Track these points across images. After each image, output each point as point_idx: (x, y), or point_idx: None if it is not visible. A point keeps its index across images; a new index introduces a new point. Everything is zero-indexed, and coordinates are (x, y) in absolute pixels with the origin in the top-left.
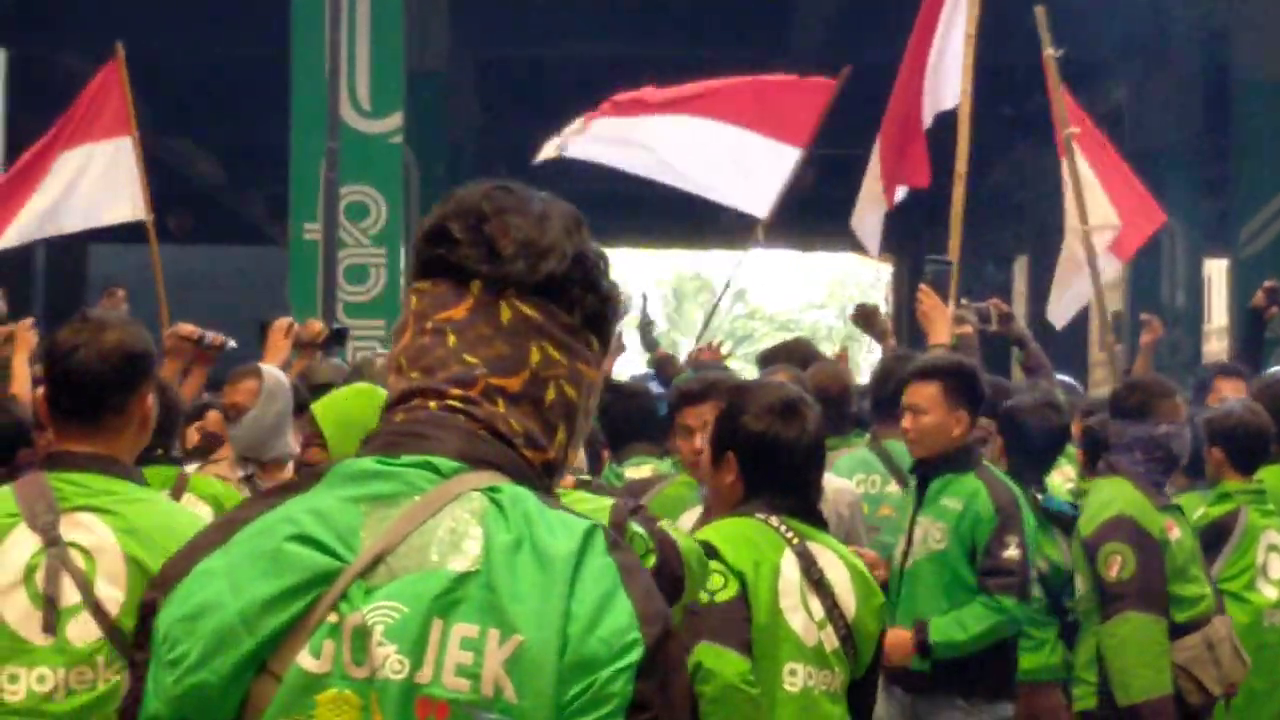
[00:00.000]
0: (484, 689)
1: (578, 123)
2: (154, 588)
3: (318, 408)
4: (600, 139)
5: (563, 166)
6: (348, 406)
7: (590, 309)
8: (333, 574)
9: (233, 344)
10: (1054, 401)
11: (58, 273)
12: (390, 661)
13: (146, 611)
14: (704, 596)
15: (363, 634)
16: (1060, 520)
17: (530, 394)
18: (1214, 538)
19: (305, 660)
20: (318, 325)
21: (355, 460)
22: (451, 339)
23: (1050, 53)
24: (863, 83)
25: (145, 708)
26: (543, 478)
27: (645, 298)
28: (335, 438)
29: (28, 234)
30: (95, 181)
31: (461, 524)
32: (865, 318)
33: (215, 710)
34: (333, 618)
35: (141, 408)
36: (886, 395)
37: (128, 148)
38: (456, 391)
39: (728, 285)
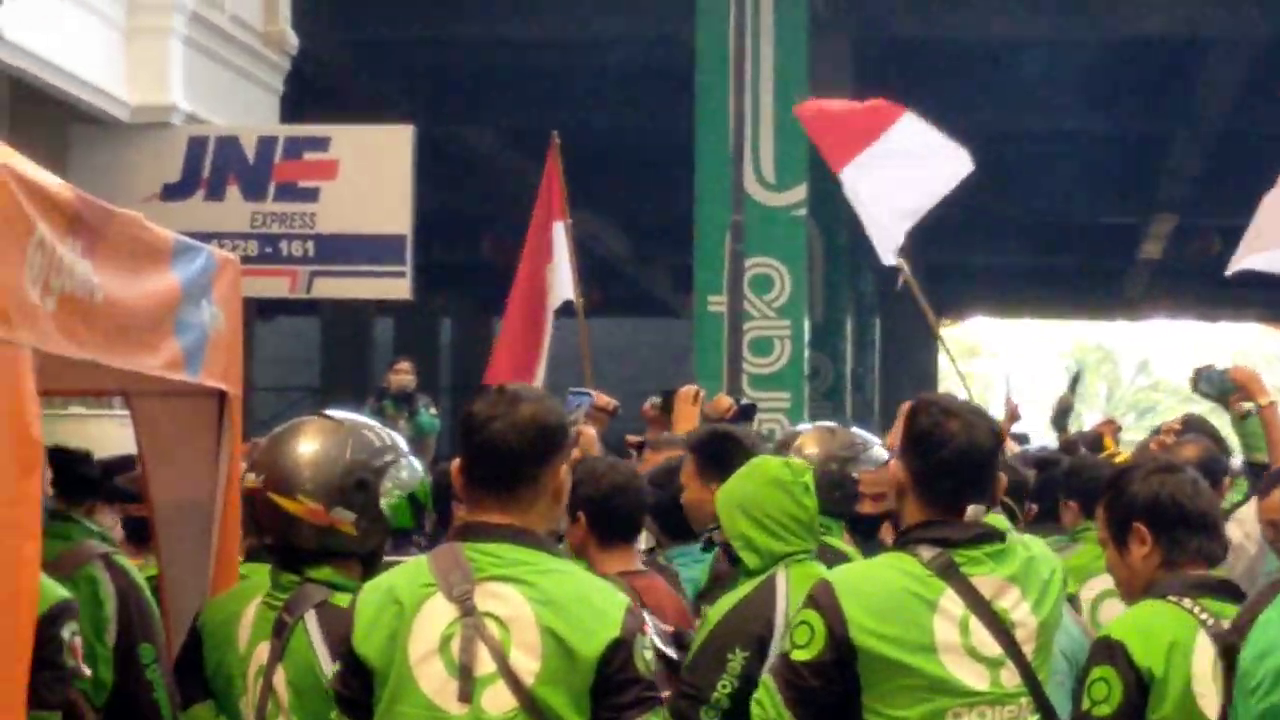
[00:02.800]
0: None
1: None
2: None
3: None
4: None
5: (965, 238)
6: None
7: None
8: None
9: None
10: None
11: (462, 346)
12: None
13: None
14: (1085, 703)
15: None
16: None
17: None
18: None
19: None
20: (726, 401)
21: None
22: None
23: None
24: (1266, 151)
25: None
26: None
27: (1078, 376)
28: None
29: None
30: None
31: None
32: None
33: None
34: None
35: (555, 479)
36: None
37: (561, 232)
38: None
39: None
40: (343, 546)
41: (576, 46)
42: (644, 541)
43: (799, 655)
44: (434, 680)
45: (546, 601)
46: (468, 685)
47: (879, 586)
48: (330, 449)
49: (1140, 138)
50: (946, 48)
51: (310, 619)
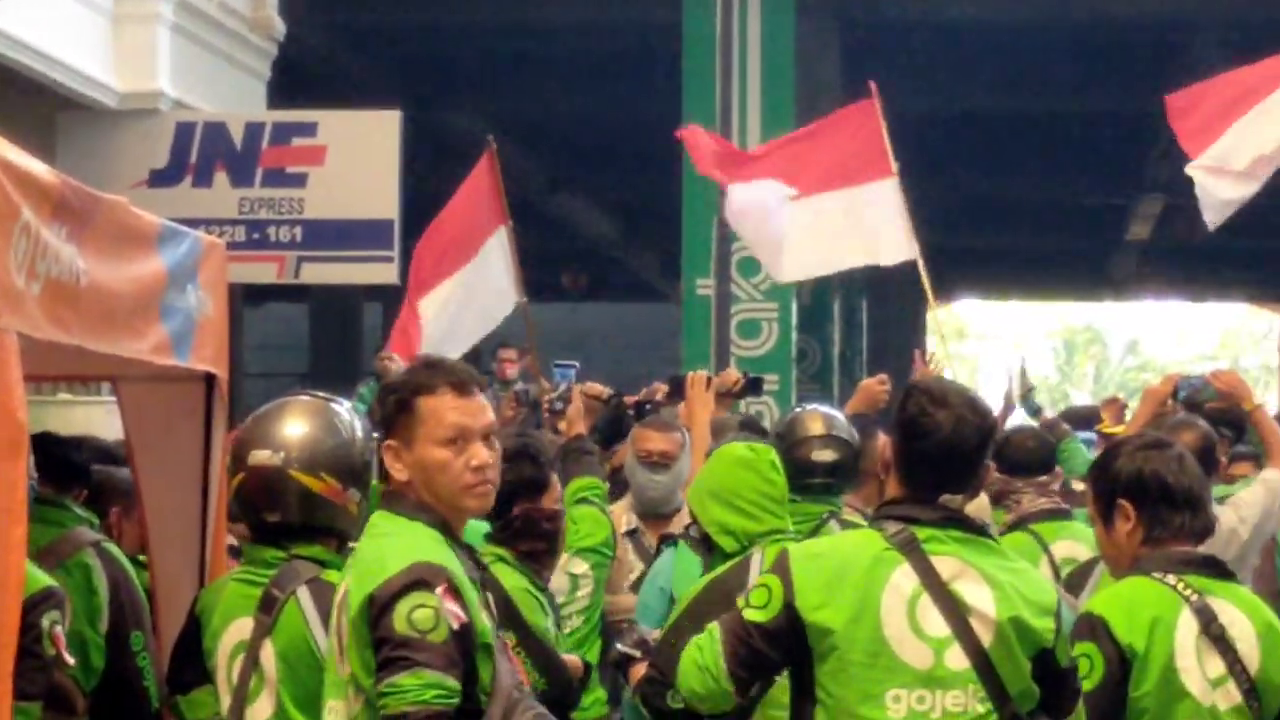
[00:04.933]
0: None
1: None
2: None
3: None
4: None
5: (952, 220)
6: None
7: None
8: None
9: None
10: None
11: None
12: None
13: None
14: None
15: None
16: None
17: None
18: None
19: None
20: (734, 375)
21: None
22: None
23: None
24: None
25: None
26: None
27: (1024, 361)
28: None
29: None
30: (493, 275)
31: None
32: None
33: None
34: None
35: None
36: None
37: (504, 236)
38: None
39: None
40: (347, 525)
41: (564, 32)
42: (625, 524)
43: (752, 615)
44: None
45: (354, 563)
46: None
47: (833, 559)
48: (343, 429)
49: (1128, 118)
50: (934, 30)
51: (304, 594)
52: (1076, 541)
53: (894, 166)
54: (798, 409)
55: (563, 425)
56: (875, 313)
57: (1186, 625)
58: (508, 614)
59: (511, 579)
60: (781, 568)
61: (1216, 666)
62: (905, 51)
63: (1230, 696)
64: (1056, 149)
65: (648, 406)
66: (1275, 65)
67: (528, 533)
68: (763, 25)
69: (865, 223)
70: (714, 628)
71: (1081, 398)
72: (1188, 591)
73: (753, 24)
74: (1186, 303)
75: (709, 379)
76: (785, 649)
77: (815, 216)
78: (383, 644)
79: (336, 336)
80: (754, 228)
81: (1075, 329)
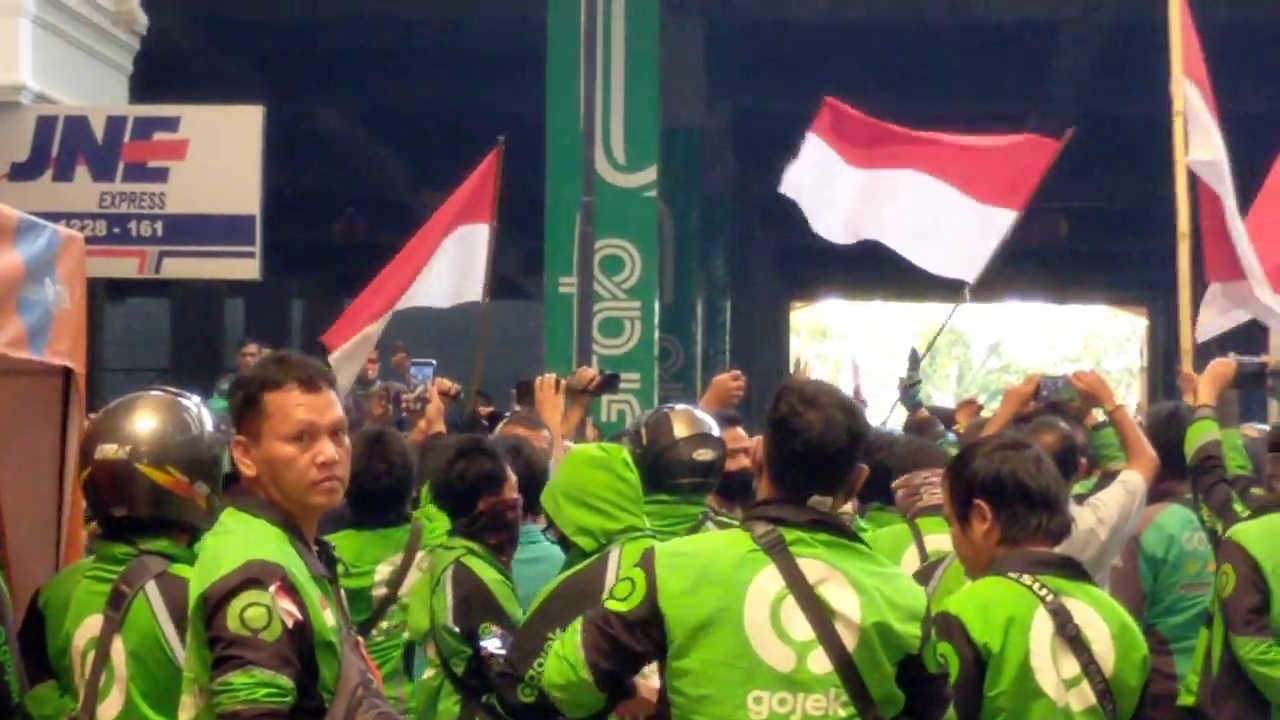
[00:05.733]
0: None
1: (807, 154)
2: None
3: None
4: (822, 194)
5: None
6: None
7: None
8: None
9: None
10: None
11: (313, 328)
12: None
13: None
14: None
15: None
16: None
17: None
18: None
19: None
20: (590, 372)
21: None
22: None
23: None
24: (1115, 134)
25: None
26: None
27: (915, 354)
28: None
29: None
30: (453, 263)
31: None
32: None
33: None
34: None
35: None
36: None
37: (484, 234)
38: None
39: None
40: (195, 519)
41: (429, 27)
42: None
43: (614, 606)
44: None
45: (197, 561)
46: None
47: (699, 559)
48: (192, 424)
49: (990, 121)
50: (798, 31)
51: (151, 589)
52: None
53: (1024, 204)
54: (663, 409)
55: (422, 424)
56: (738, 312)
57: (1042, 625)
58: (488, 607)
59: (487, 572)
60: (647, 563)
61: (1071, 667)
62: (769, 52)
63: (1085, 697)
64: None
65: (504, 415)
66: None
67: (495, 525)
68: (627, 23)
69: (959, 234)
70: (578, 621)
71: (944, 399)
72: (1043, 592)
73: (617, 21)
74: (1050, 305)
75: (558, 381)
76: (644, 640)
77: (913, 192)
78: (216, 642)
79: (198, 332)
80: (812, 183)
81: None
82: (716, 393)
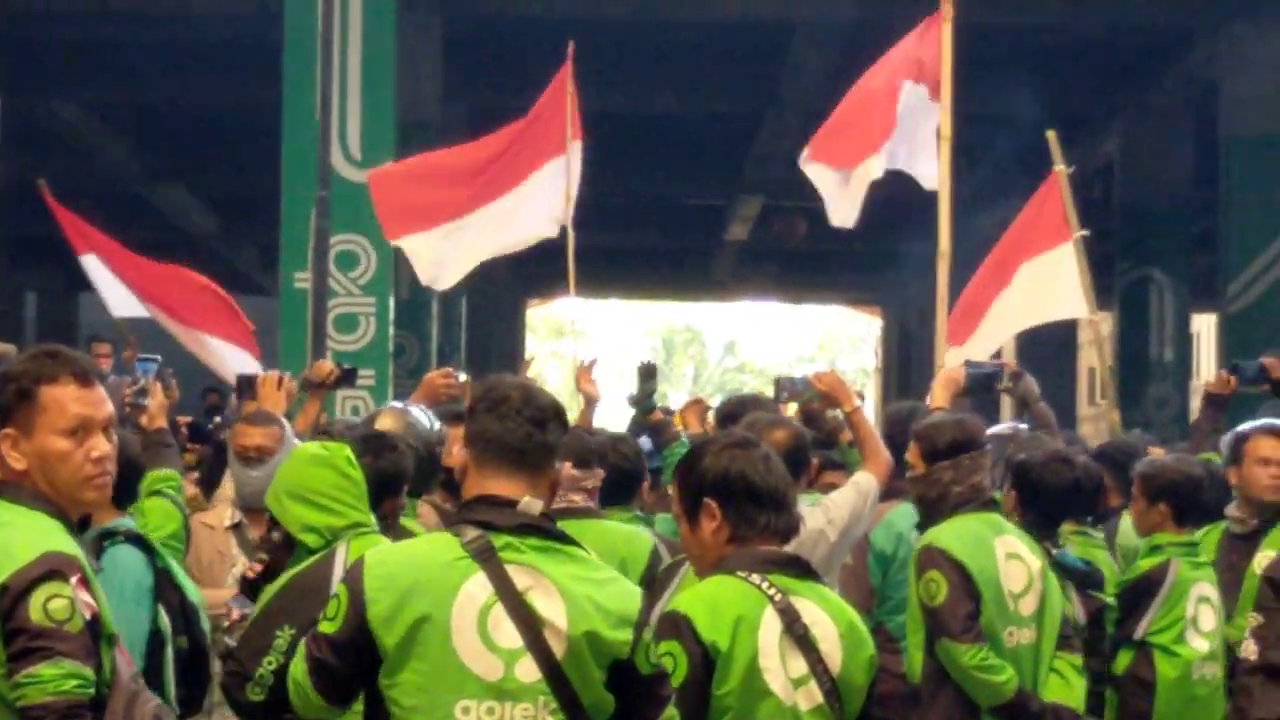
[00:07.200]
0: None
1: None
2: None
3: None
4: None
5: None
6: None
7: None
8: None
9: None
10: (1067, 456)
11: (47, 322)
12: None
13: None
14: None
15: None
16: (1073, 574)
17: None
18: (1143, 591)
19: None
20: (328, 366)
21: None
22: None
23: (1061, 169)
24: None
25: None
26: None
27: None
28: None
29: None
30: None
31: None
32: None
33: None
34: None
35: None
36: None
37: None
38: None
39: None
40: None
41: (165, 19)
42: (229, 518)
43: (324, 627)
44: None
45: None
46: None
47: (408, 566)
48: None
49: (728, 120)
50: (537, 28)
51: None
52: None
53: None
54: (381, 408)
55: (144, 419)
56: (474, 309)
57: (770, 624)
58: None
59: None
60: (354, 579)
61: (799, 666)
62: (509, 49)
63: (812, 696)
64: (658, 149)
65: (219, 417)
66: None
67: None
68: (364, 18)
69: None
70: (305, 641)
71: (679, 398)
72: (772, 591)
73: (354, 16)
74: (786, 305)
75: (280, 378)
76: (354, 662)
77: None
78: (18, 634)
79: None
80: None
81: (675, 329)
82: (426, 390)
